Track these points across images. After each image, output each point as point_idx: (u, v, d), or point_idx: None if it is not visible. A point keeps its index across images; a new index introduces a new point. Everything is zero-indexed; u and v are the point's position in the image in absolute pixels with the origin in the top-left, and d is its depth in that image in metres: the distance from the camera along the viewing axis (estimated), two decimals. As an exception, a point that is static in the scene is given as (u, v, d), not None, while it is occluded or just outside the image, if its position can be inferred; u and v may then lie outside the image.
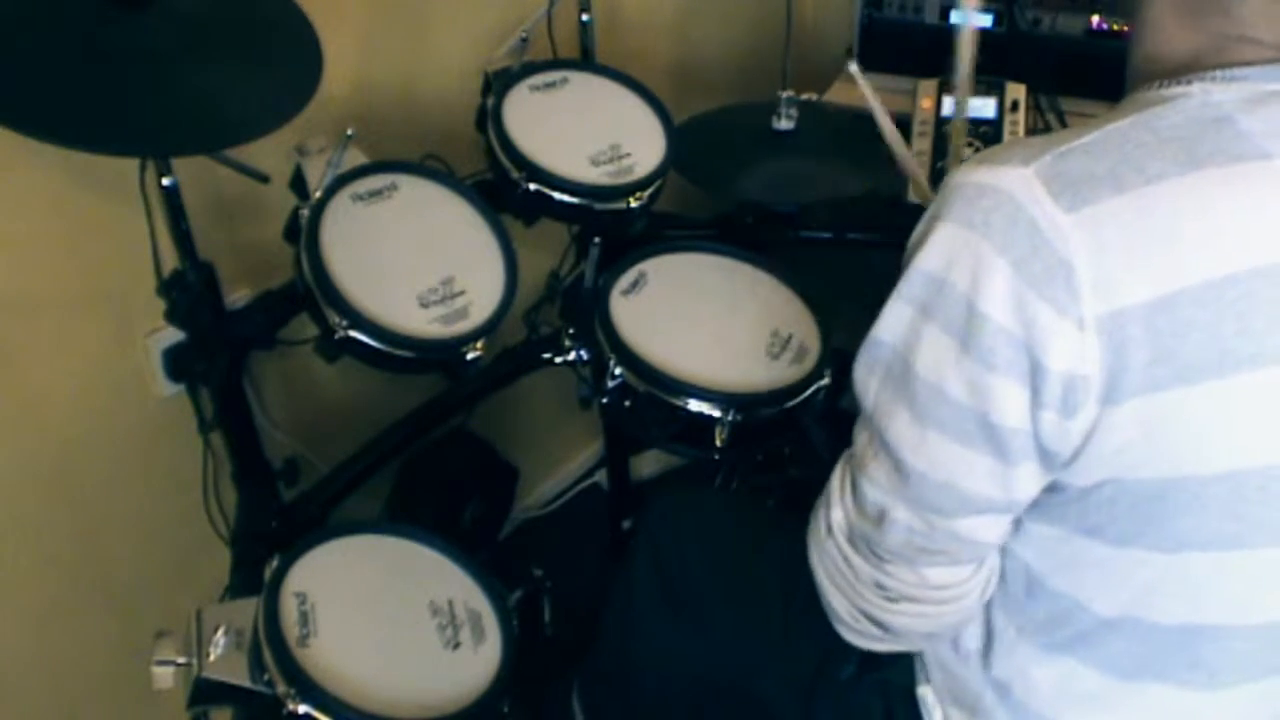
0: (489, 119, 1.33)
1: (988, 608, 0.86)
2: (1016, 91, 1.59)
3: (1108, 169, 0.69)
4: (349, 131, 1.17)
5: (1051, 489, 0.76)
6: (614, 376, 1.25)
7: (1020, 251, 0.69)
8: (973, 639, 0.88)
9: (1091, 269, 0.67)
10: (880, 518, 0.82)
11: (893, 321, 0.77)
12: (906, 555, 0.82)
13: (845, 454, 0.88)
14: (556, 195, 1.30)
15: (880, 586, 0.85)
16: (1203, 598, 0.78)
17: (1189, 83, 0.74)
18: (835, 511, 0.86)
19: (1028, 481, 0.75)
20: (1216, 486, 0.72)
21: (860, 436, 0.84)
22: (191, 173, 1.11)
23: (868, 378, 0.81)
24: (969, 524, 0.79)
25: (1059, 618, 0.82)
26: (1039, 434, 0.72)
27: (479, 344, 1.17)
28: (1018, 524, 0.81)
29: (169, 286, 1.17)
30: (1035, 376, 0.70)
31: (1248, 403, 0.70)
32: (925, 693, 0.94)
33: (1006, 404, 0.72)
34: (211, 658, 1.04)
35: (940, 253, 0.73)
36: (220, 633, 1.05)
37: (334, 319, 1.11)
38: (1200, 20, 0.75)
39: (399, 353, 1.14)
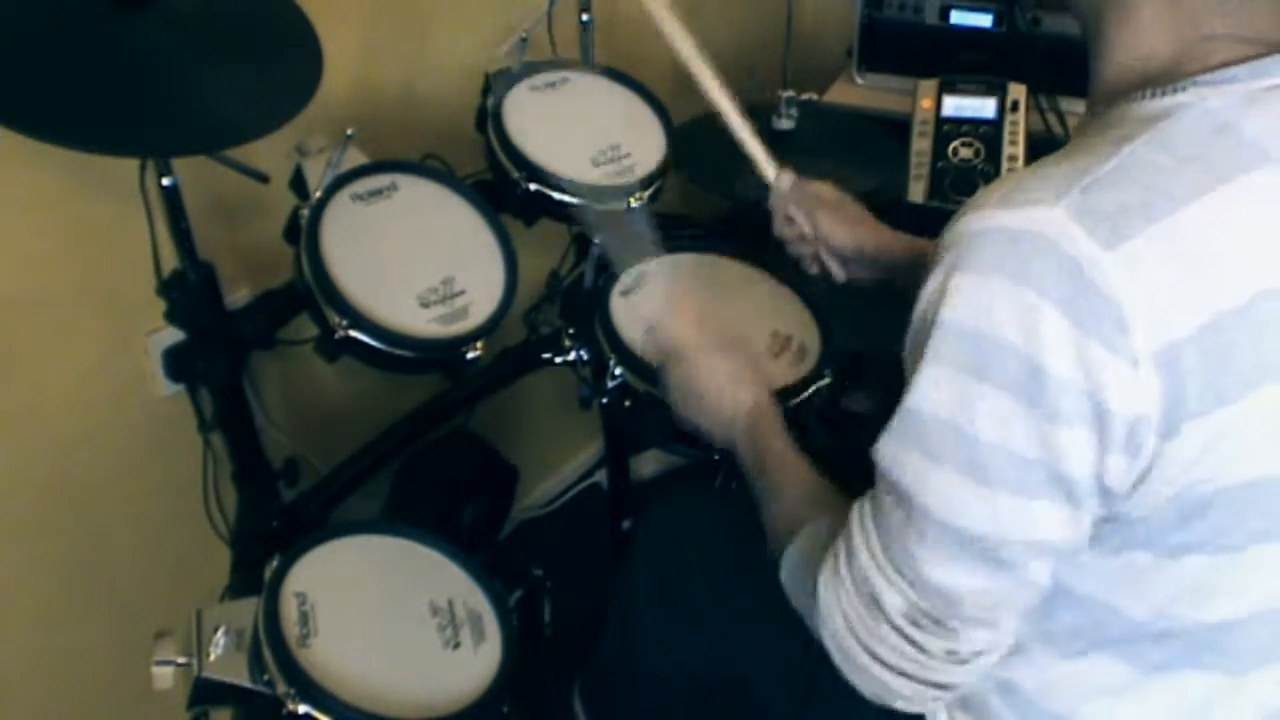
0: (489, 119, 1.33)
1: None
2: (1016, 91, 1.59)
3: (1138, 199, 0.67)
4: (349, 131, 1.17)
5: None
6: (614, 376, 1.24)
7: (1066, 294, 0.66)
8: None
9: (1139, 305, 0.66)
10: (940, 593, 0.77)
11: (932, 389, 0.72)
12: (977, 618, 0.78)
13: (867, 544, 0.80)
14: (556, 195, 1.30)
15: (951, 652, 0.80)
16: (1238, 594, 0.78)
17: (1183, 89, 0.72)
18: (892, 598, 0.79)
19: (1089, 522, 0.74)
20: (1246, 492, 0.72)
21: (894, 515, 0.77)
22: (191, 173, 1.11)
23: (902, 453, 0.76)
24: (1036, 566, 0.76)
25: (1088, 625, 0.81)
26: (1103, 476, 0.70)
27: (479, 344, 1.17)
28: None
29: (169, 286, 1.17)
30: (1101, 421, 0.68)
31: (1276, 411, 0.70)
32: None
33: (1076, 452, 0.69)
34: (211, 658, 1.04)
35: (978, 307, 0.69)
36: (220, 633, 1.05)
37: (334, 319, 1.11)
38: (1183, 19, 0.73)
39: (399, 353, 1.14)
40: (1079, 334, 0.66)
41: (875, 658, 0.81)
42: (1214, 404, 0.68)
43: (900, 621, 0.79)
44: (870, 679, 0.82)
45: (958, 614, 0.77)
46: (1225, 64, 0.72)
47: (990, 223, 0.69)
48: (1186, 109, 0.71)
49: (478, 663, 1.11)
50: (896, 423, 0.75)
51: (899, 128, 1.61)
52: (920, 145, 1.59)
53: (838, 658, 0.84)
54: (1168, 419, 0.68)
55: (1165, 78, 0.73)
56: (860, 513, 0.81)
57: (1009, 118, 1.57)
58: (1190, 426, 0.68)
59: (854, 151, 1.49)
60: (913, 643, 0.79)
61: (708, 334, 1.12)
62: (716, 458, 1.24)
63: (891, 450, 0.76)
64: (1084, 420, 0.68)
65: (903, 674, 0.81)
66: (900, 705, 0.84)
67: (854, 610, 0.81)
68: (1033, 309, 0.67)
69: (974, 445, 0.71)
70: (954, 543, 0.74)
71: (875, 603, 0.79)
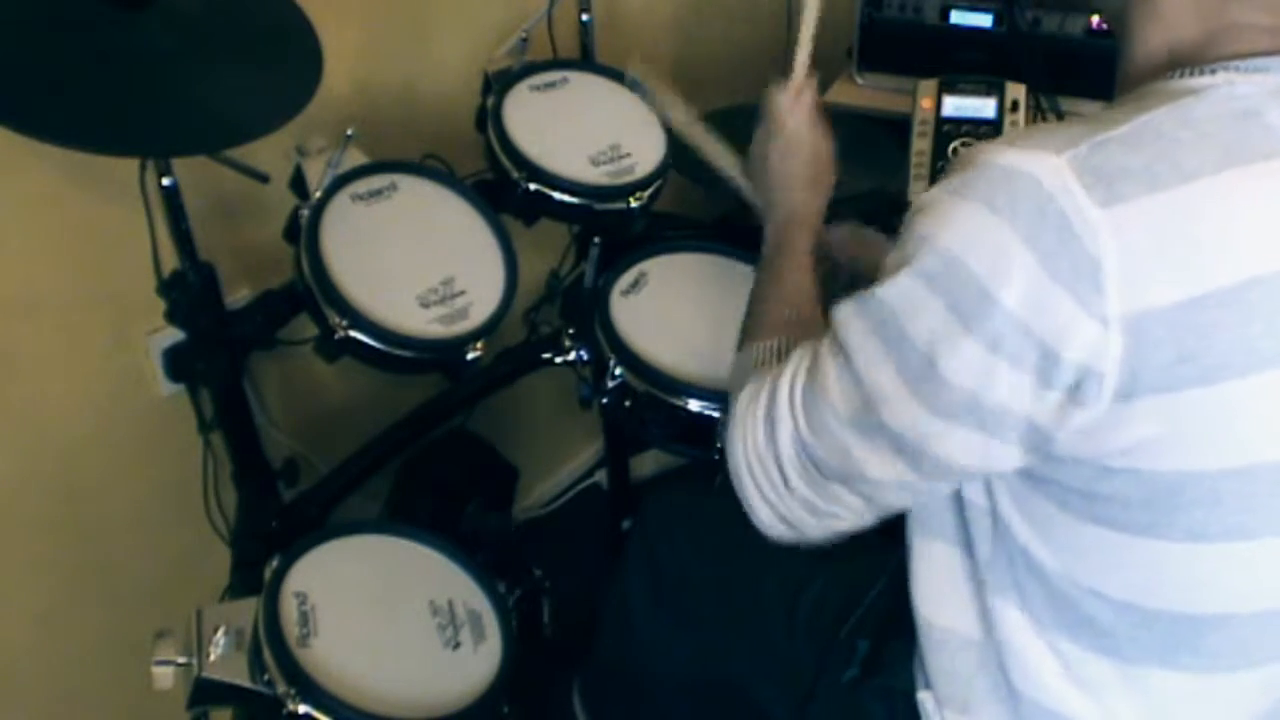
0: (489, 119, 1.33)
1: (984, 594, 0.86)
2: (1016, 91, 1.58)
3: (1144, 164, 0.67)
4: (349, 131, 1.17)
5: (1055, 471, 0.75)
6: (614, 376, 1.25)
7: (1047, 244, 0.67)
8: (972, 629, 0.88)
9: (1120, 267, 0.66)
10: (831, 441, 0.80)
11: (894, 282, 0.74)
12: (860, 485, 0.80)
13: (787, 368, 0.84)
14: (556, 195, 1.30)
15: (809, 501, 0.84)
16: (1209, 587, 0.78)
17: (1213, 72, 0.72)
18: (788, 429, 0.83)
19: (1006, 457, 0.75)
20: (1231, 480, 0.72)
21: (828, 369, 0.79)
22: (191, 173, 1.11)
23: (854, 319, 0.78)
24: (937, 484, 0.79)
25: (1060, 602, 0.81)
26: (1034, 414, 0.71)
27: (479, 344, 1.17)
28: (1025, 507, 0.80)
29: (169, 286, 1.17)
30: (1044, 363, 0.69)
31: (1268, 400, 0.69)
32: (925, 698, 0.93)
33: (1003, 386, 0.70)
34: (211, 658, 1.04)
35: (957, 231, 0.70)
36: (220, 633, 1.05)
37: (334, 319, 1.11)
38: (1214, 4, 0.74)
39: (399, 353, 1.14)
40: (1049, 282, 0.67)
41: (750, 473, 0.86)
42: (1187, 382, 0.68)
43: (787, 451, 0.82)
44: (741, 487, 0.87)
45: (844, 474, 0.80)
46: (1254, 53, 0.72)
47: (993, 156, 0.70)
48: (1214, 90, 0.71)
49: (478, 663, 1.11)
50: (864, 295, 0.77)
51: (899, 128, 1.61)
52: (920, 145, 1.59)
53: (729, 462, 0.88)
54: (1127, 384, 0.68)
55: (1193, 59, 0.74)
56: (803, 354, 0.83)
57: (1009, 118, 1.57)
58: (1156, 400, 0.68)
59: (854, 151, 1.48)
60: (784, 475, 0.83)
61: (819, 135, 1.15)
62: (716, 458, 1.24)
63: (848, 316, 0.78)
64: (1024, 361, 0.69)
65: (764, 499, 0.86)
66: (759, 526, 0.88)
67: (754, 425, 0.85)
68: (1007, 247, 0.68)
69: (913, 349, 0.73)
70: (873, 425, 0.76)
71: (773, 427, 0.83)
